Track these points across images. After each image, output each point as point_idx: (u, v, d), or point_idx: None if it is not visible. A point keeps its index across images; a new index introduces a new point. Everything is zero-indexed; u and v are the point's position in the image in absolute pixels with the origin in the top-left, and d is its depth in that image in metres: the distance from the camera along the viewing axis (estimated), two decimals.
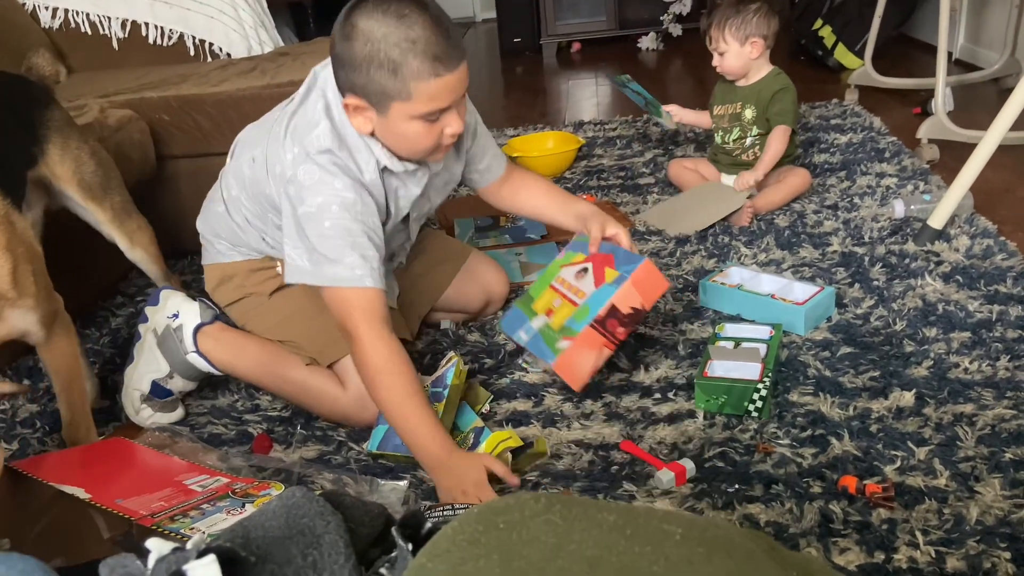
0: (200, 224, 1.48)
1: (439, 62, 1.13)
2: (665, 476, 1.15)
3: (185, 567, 0.41)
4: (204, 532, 0.86)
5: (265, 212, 1.34)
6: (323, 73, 1.26)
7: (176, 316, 1.43)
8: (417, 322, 1.59)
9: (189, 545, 0.43)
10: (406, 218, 1.37)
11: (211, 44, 2.60)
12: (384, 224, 1.29)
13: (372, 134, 1.23)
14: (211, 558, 0.41)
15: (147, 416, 1.42)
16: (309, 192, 1.21)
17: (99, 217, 1.49)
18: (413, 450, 1.19)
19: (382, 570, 0.47)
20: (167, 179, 2.07)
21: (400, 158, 1.26)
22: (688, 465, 1.17)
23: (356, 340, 1.20)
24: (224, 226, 1.42)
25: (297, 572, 0.44)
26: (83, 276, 1.46)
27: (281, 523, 0.46)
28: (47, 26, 2.56)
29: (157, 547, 0.44)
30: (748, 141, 2.14)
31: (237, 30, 2.61)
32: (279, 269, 1.39)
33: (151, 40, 2.61)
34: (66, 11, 2.56)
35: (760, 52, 2.08)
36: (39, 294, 1.18)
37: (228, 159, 1.43)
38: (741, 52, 2.08)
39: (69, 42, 2.60)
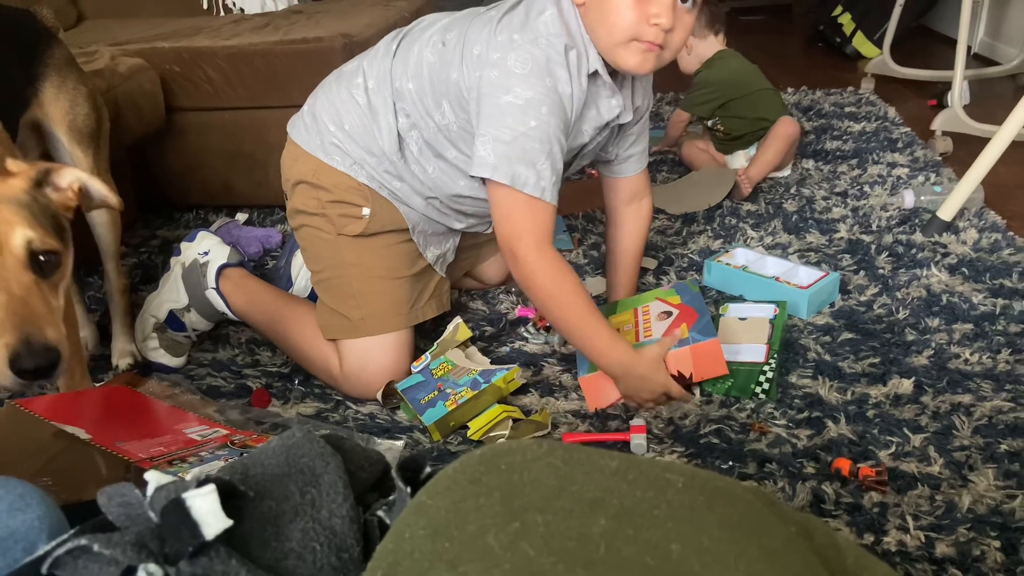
0: (315, 104, 1.32)
1: None
2: (636, 440, 1.18)
3: (184, 495, 0.41)
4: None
5: (436, 104, 1.21)
6: None
7: (207, 253, 1.45)
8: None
9: (188, 476, 0.44)
10: (566, 164, 1.28)
11: None
12: None
13: (583, 5, 1.15)
14: (211, 487, 0.41)
15: (152, 347, 1.44)
16: (520, 82, 1.12)
17: (79, 163, 1.39)
18: (596, 361, 1.22)
19: (380, 512, 0.48)
20: (175, 131, 2.06)
21: (604, 63, 1.18)
22: (638, 421, 1.21)
23: (523, 262, 1.16)
24: (358, 119, 1.27)
25: (295, 509, 0.44)
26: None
27: (281, 461, 0.47)
28: None
29: (156, 478, 0.44)
30: (710, 122, 2.24)
31: None
32: (365, 212, 1.30)
33: None
34: None
35: (691, 48, 2.19)
36: None
37: (378, 54, 1.28)
38: (683, 55, 2.17)
39: None
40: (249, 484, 0.45)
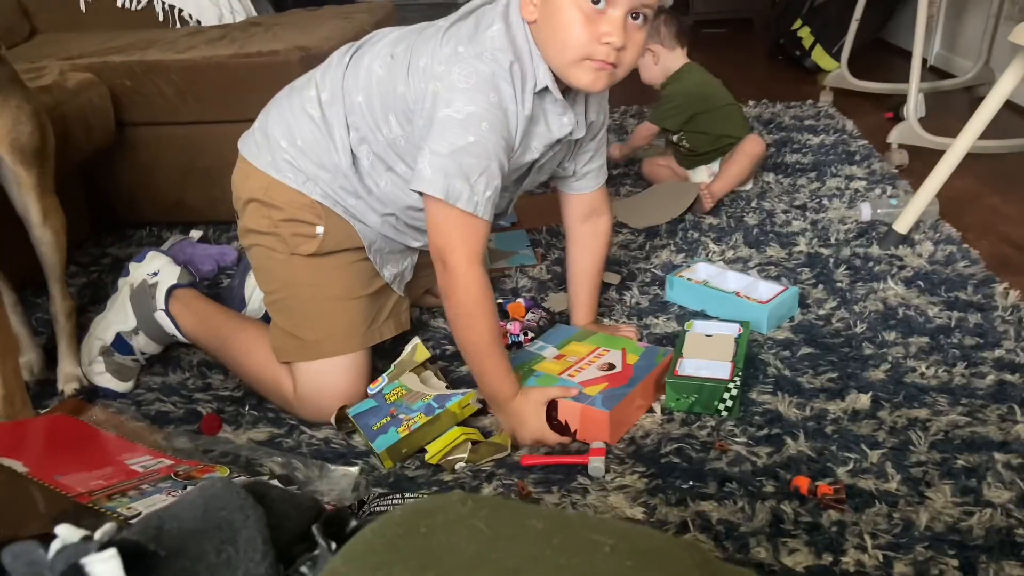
0: (267, 120, 1.30)
1: None
2: (594, 463, 1.16)
3: (84, 560, 0.39)
4: (140, 511, 0.84)
5: (384, 118, 1.20)
6: None
7: (156, 274, 1.42)
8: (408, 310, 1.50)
9: (97, 535, 0.41)
10: (520, 179, 1.28)
11: (181, 10, 2.53)
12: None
13: (534, 22, 1.14)
14: (111, 552, 0.39)
15: (98, 371, 1.40)
16: (461, 97, 1.11)
17: (23, 182, 1.36)
18: (483, 389, 1.24)
19: (303, 569, 0.45)
20: (127, 147, 2.01)
21: (556, 80, 1.16)
22: (597, 444, 1.20)
23: (451, 272, 1.15)
24: (310, 133, 1.24)
25: (210, 568, 0.42)
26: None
27: (198, 515, 0.44)
28: None
29: (64, 534, 0.42)
30: (675, 136, 2.22)
31: None
32: (319, 231, 1.27)
33: (120, 3, 2.54)
34: None
35: (658, 59, 2.18)
36: None
37: (331, 66, 1.26)
38: (644, 63, 2.16)
39: (35, 1, 2.52)
40: (162, 541, 0.42)
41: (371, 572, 0.36)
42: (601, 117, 1.34)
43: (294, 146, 1.25)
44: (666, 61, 2.19)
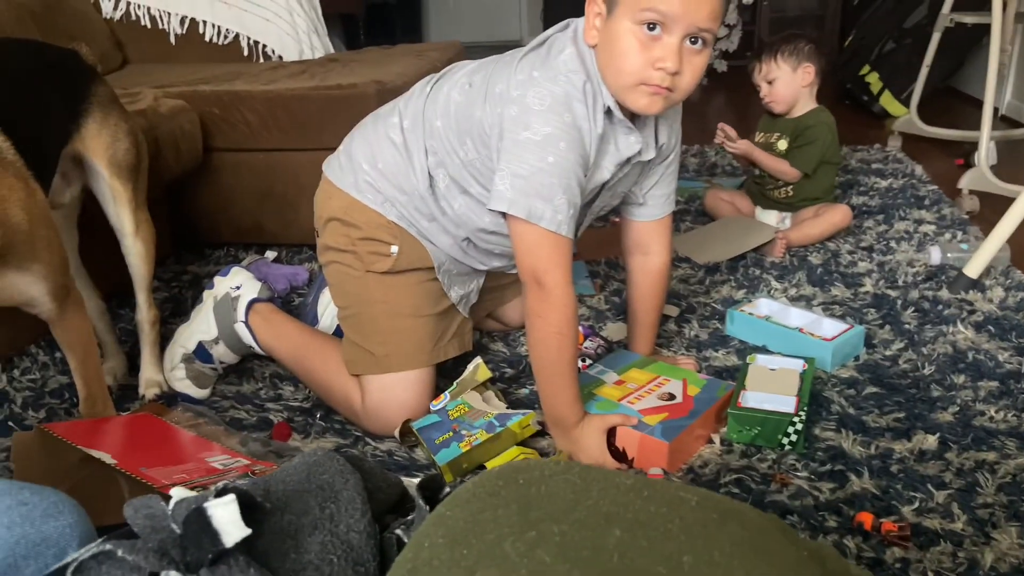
0: (351, 144, 1.37)
1: None
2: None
3: (205, 504, 0.42)
4: None
5: (460, 142, 1.24)
6: (578, 20, 1.22)
7: (239, 288, 1.49)
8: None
9: (213, 488, 0.45)
10: (590, 202, 1.30)
11: (265, 46, 2.66)
12: None
13: (595, 46, 1.16)
14: (231, 497, 0.42)
15: (179, 377, 1.46)
16: (537, 118, 1.13)
17: (118, 196, 1.43)
18: (549, 411, 1.25)
19: (398, 530, 0.48)
20: (210, 171, 2.12)
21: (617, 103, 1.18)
22: (655, 470, 1.21)
23: (547, 291, 1.16)
24: (391, 158, 1.30)
25: (314, 523, 0.45)
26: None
27: (302, 478, 0.48)
28: (108, 16, 2.64)
29: (179, 492, 0.46)
30: (759, 173, 2.16)
31: (291, 34, 2.67)
32: (393, 250, 1.33)
33: (207, 38, 2.68)
34: (128, 3, 2.64)
35: (811, 81, 2.09)
36: (52, 264, 1.16)
37: (413, 95, 1.33)
38: (793, 79, 2.08)
39: (128, 34, 2.68)
40: (270, 498, 0.46)
41: (476, 515, 0.39)
42: (672, 141, 1.35)
43: (375, 169, 1.31)
44: (812, 92, 2.11)
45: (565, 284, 1.17)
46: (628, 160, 1.27)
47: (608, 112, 1.19)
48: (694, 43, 1.13)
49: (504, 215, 1.18)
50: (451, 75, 1.31)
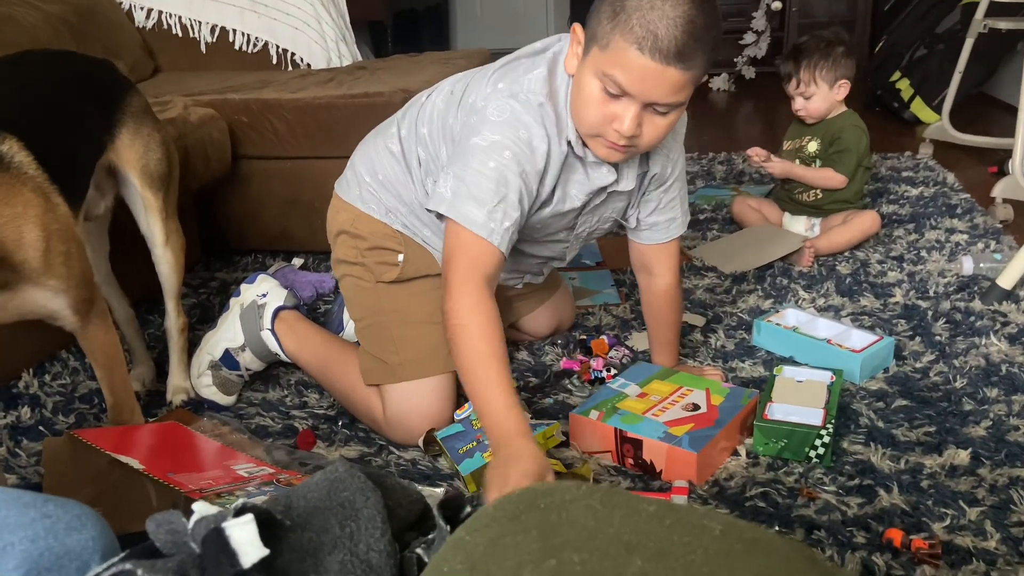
0: (358, 156, 1.39)
1: (654, 43, 1.00)
2: (678, 502, 1.15)
3: (224, 524, 0.42)
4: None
5: (438, 149, 1.25)
6: (564, 43, 1.21)
7: (265, 295, 1.50)
8: None
9: (232, 506, 0.45)
10: (571, 226, 1.30)
11: (293, 54, 2.68)
12: (543, 208, 1.22)
13: (572, 77, 1.15)
14: (249, 517, 0.42)
15: (205, 384, 1.48)
16: (491, 128, 1.13)
17: (149, 205, 1.44)
18: (480, 418, 1.08)
19: (418, 550, 0.48)
20: (238, 178, 2.14)
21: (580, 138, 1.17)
22: (680, 483, 1.19)
23: (446, 288, 1.11)
24: (390, 168, 1.32)
25: (334, 541, 0.45)
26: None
27: (323, 495, 0.48)
28: (140, 25, 2.68)
29: (201, 509, 0.46)
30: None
31: (319, 42, 2.70)
32: (400, 258, 1.34)
33: (237, 46, 2.71)
34: (160, 12, 2.68)
35: (846, 94, 2.09)
36: (71, 278, 1.15)
37: (411, 105, 1.34)
38: (829, 95, 2.08)
39: (159, 42, 2.72)
40: (290, 515, 0.46)
41: (496, 540, 0.39)
42: (669, 170, 1.32)
43: (376, 180, 1.34)
44: (833, 97, 2.09)
45: (466, 286, 1.09)
46: (604, 188, 1.25)
47: (570, 144, 1.18)
48: (662, 112, 1.10)
49: (440, 216, 1.17)
50: (442, 85, 1.32)
